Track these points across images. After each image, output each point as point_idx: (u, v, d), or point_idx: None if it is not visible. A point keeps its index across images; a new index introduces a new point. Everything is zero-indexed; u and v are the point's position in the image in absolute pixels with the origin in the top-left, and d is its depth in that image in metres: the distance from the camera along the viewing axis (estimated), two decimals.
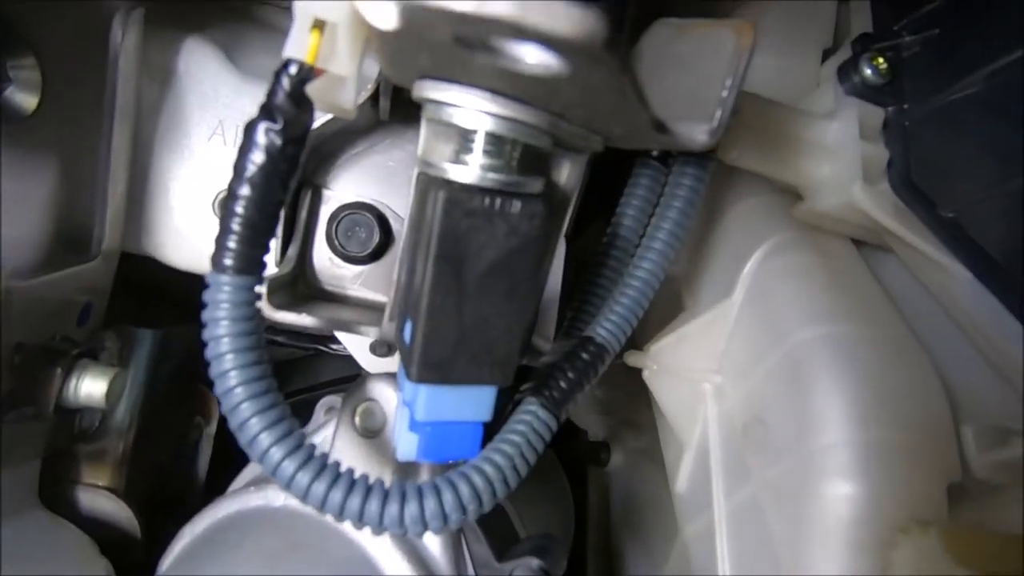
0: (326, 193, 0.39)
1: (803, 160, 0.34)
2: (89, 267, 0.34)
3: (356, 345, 0.43)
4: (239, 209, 0.21)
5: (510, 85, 0.19)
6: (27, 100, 0.33)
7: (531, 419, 0.26)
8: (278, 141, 0.21)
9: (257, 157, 0.21)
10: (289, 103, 0.21)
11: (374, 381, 0.31)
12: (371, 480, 0.22)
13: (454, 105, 0.20)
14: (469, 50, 0.15)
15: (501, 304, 0.23)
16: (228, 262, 0.22)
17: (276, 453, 0.21)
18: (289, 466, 0.21)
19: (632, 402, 0.63)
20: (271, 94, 0.21)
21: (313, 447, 0.22)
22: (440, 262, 0.21)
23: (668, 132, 0.20)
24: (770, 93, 0.41)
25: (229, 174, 0.33)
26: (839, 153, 0.33)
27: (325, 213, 0.39)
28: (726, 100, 0.20)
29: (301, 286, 0.38)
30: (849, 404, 0.28)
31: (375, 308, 0.39)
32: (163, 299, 0.44)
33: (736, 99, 0.21)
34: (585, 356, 0.29)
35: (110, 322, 0.39)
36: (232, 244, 0.22)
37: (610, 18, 0.11)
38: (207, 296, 0.22)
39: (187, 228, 0.39)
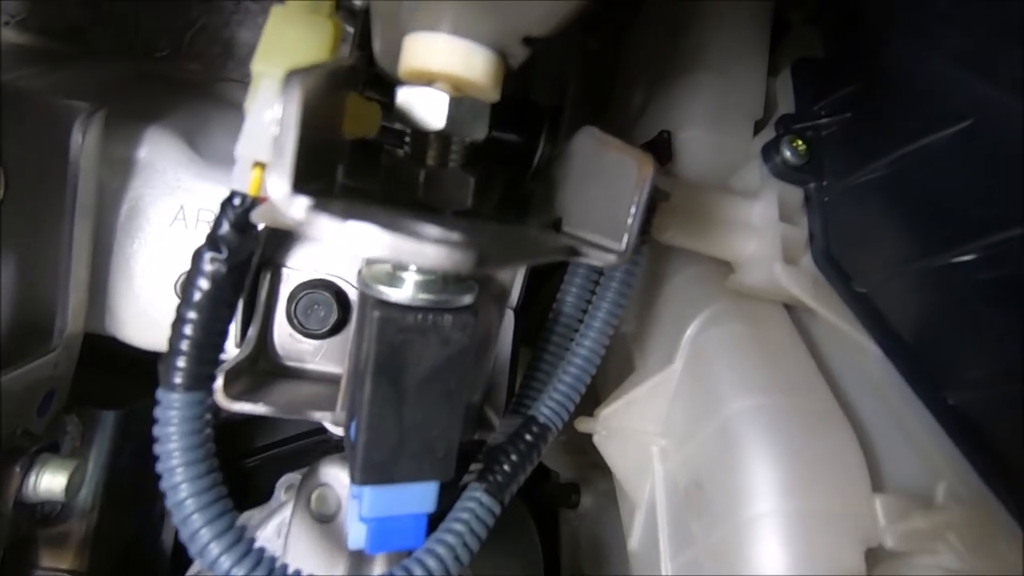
0: (285, 271, 0.41)
1: (731, 238, 0.36)
2: (51, 357, 0.35)
3: (327, 418, 0.44)
4: (187, 331, 0.23)
5: None
6: None
7: (475, 506, 0.28)
8: (223, 269, 0.23)
9: (203, 284, 0.23)
10: (234, 233, 0.23)
11: (328, 466, 0.33)
12: None
13: None
14: None
15: (439, 407, 0.24)
16: (177, 380, 0.23)
17: (225, 561, 0.22)
18: (236, 573, 0.22)
19: None
20: (216, 225, 0.23)
21: (259, 552, 0.23)
22: (378, 375, 0.23)
23: (581, 255, 0.22)
24: (706, 163, 0.44)
25: (190, 257, 0.34)
26: (763, 232, 0.36)
27: (284, 291, 0.40)
28: (631, 227, 0.22)
29: (262, 363, 0.40)
30: (775, 475, 0.30)
31: (335, 382, 0.40)
32: (126, 373, 0.45)
33: (644, 220, 0.23)
34: (528, 437, 0.31)
35: (72, 401, 0.39)
36: (181, 363, 0.23)
37: (477, 247, 0.13)
38: (158, 413, 0.23)
39: (150, 310, 0.40)
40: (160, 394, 0.23)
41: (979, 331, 0.26)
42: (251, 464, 0.64)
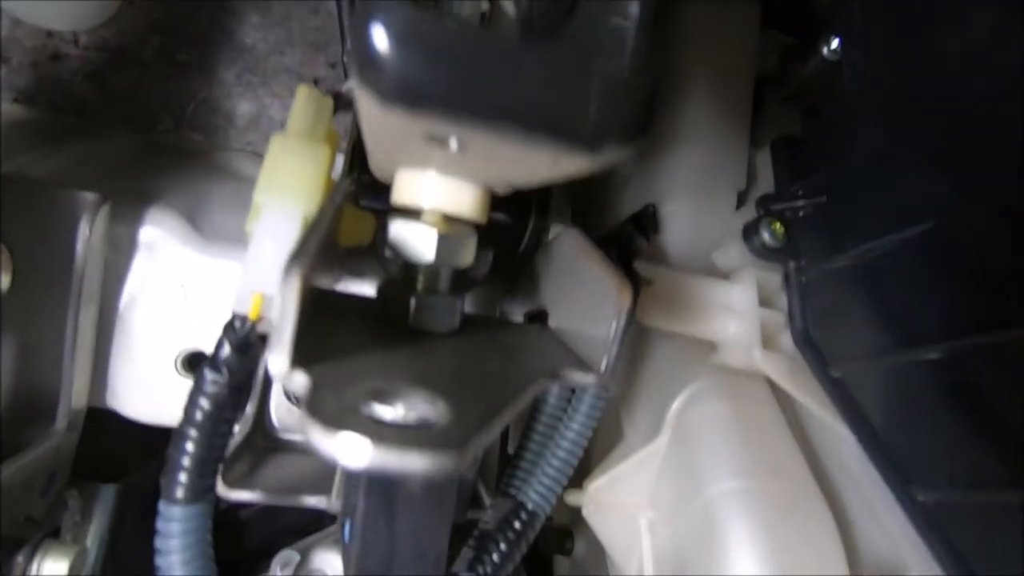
0: None
1: (711, 322, 0.38)
2: (54, 441, 0.36)
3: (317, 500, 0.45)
4: (188, 447, 0.24)
5: None
6: None
7: None
8: (224, 391, 0.24)
9: (204, 404, 0.24)
10: (234, 355, 0.24)
11: (323, 552, 0.34)
12: None
13: None
14: None
15: (430, 516, 0.26)
16: (179, 494, 0.24)
17: None
18: None
19: None
20: (219, 346, 0.24)
21: None
22: (370, 493, 0.24)
23: (562, 378, 0.24)
24: (690, 236, 0.45)
25: (191, 332, 0.35)
26: (742, 316, 0.37)
27: None
28: (611, 350, 0.23)
29: (259, 439, 0.41)
30: (753, 559, 0.31)
31: None
32: (126, 444, 0.46)
33: (623, 343, 0.24)
34: (517, 525, 0.32)
35: (73, 478, 0.40)
36: (182, 478, 0.24)
37: (465, 449, 0.14)
38: (160, 525, 0.24)
39: (151, 385, 0.41)
40: (162, 507, 0.24)
41: (943, 433, 0.28)
42: (245, 516, 0.65)
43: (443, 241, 0.23)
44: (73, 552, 0.33)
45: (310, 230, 0.19)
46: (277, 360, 0.16)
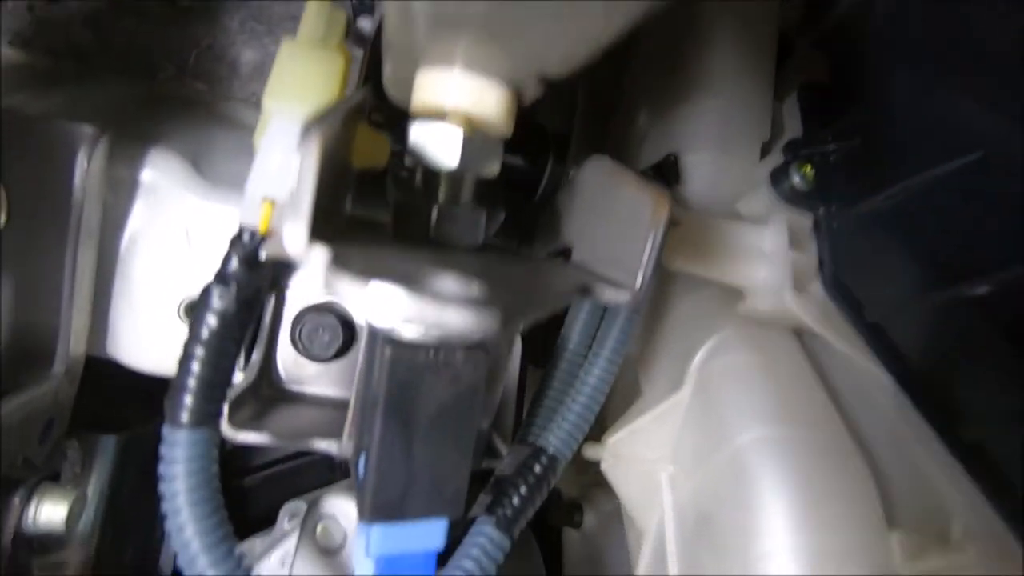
0: (289, 295, 0.40)
1: (741, 265, 0.36)
2: (52, 384, 0.34)
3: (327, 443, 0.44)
4: (194, 368, 0.23)
5: None
6: None
7: (484, 542, 0.27)
8: (231, 306, 0.22)
9: (211, 320, 0.22)
10: (242, 269, 0.22)
11: (333, 498, 0.32)
12: None
13: None
14: None
15: (449, 445, 0.24)
16: (184, 418, 0.23)
17: None
18: None
19: None
20: (226, 261, 0.23)
21: None
22: (388, 414, 0.22)
23: (594, 294, 0.22)
24: (713, 186, 0.44)
25: (194, 280, 0.33)
26: (772, 259, 0.35)
27: (288, 315, 0.40)
28: (646, 266, 0.22)
29: (265, 388, 0.39)
30: (787, 511, 0.30)
31: (340, 406, 0.39)
32: (127, 397, 0.44)
33: (658, 259, 0.22)
34: (538, 469, 0.30)
35: (73, 428, 0.39)
36: (188, 401, 0.23)
37: (501, 307, 0.12)
38: (164, 451, 0.23)
39: (153, 334, 0.40)
40: (166, 431, 0.23)
41: (994, 368, 0.26)
42: (250, 484, 0.63)
43: (468, 143, 0.21)
44: (72, 495, 0.31)
45: (331, 105, 0.18)
46: (294, 232, 0.14)
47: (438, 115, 0.22)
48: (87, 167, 0.34)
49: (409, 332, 0.23)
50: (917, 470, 0.29)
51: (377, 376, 0.22)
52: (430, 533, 0.25)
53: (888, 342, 0.32)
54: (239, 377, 0.37)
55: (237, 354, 0.23)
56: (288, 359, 0.40)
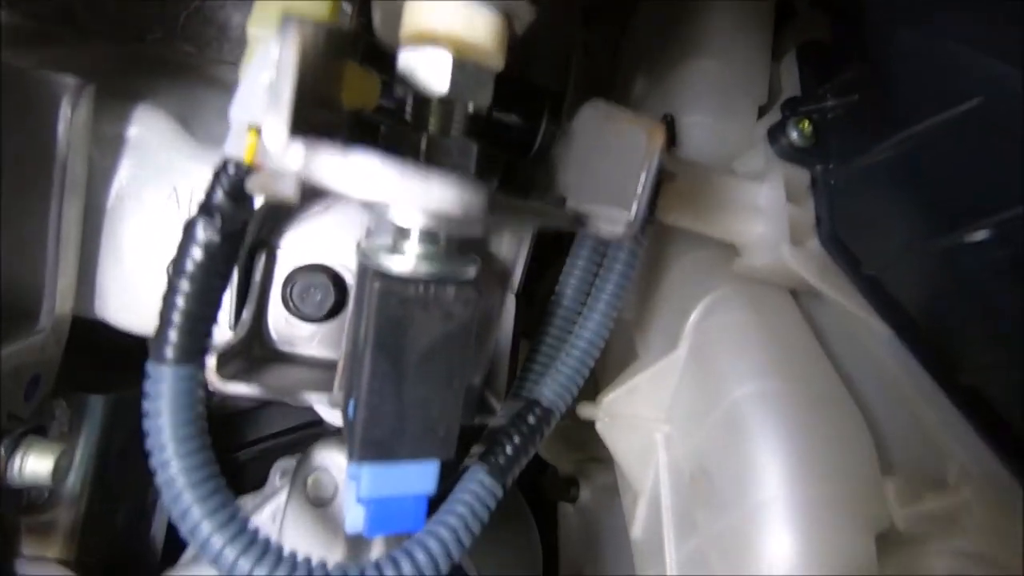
0: (280, 254, 0.40)
1: (737, 221, 0.36)
2: (38, 339, 0.34)
3: (321, 404, 0.43)
4: (179, 302, 0.22)
5: None
6: None
7: (476, 488, 0.27)
8: (216, 238, 0.22)
9: (196, 253, 0.22)
10: (227, 201, 0.22)
11: (323, 449, 0.32)
12: (313, 564, 0.22)
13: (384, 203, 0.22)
14: None
15: (440, 385, 0.24)
16: (169, 353, 0.22)
17: (217, 540, 0.22)
18: (229, 552, 0.21)
19: (601, 439, 0.64)
20: (210, 192, 0.22)
21: (255, 532, 0.22)
22: (378, 349, 0.22)
23: (587, 224, 0.22)
24: (709, 148, 0.43)
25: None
26: (769, 214, 0.35)
27: (280, 275, 0.40)
28: (640, 196, 0.21)
29: (256, 348, 0.39)
30: (783, 461, 0.29)
31: (332, 367, 0.39)
32: (118, 360, 0.44)
33: (653, 191, 0.22)
34: (531, 420, 0.30)
35: (61, 388, 0.38)
36: (172, 335, 0.22)
37: (487, 189, 0.12)
38: (148, 387, 0.22)
39: (141, 293, 0.39)
40: (150, 367, 0.22)
41: (994, 311, 0.26)
42: (244, 457, 0.63)
43: (458, 68, 0.20)
44: (59, 448, 0.31)
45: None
46: (274, 128, 0.14)
47: (429, 40, 0.21)
48: (71, 118, 0.33)
49: (399, 266, 0.23)
50: (914, 418, 0.29)
51: (366, 312, 0.22)
52: (421, 476, 0.25)
53: (886, 294, 0.32)
54: (229, 335, 0.36)
55: (223, 291, 0.23)
56: (279, 319, 0.39)
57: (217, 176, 0.22)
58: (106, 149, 0.38)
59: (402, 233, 0.23)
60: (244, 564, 0.22)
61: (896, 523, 0.27)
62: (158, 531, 0.49)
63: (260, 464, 0.60)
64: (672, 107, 0.45)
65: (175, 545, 0.47)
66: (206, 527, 0.22)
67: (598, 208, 0.23)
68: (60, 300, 0.35)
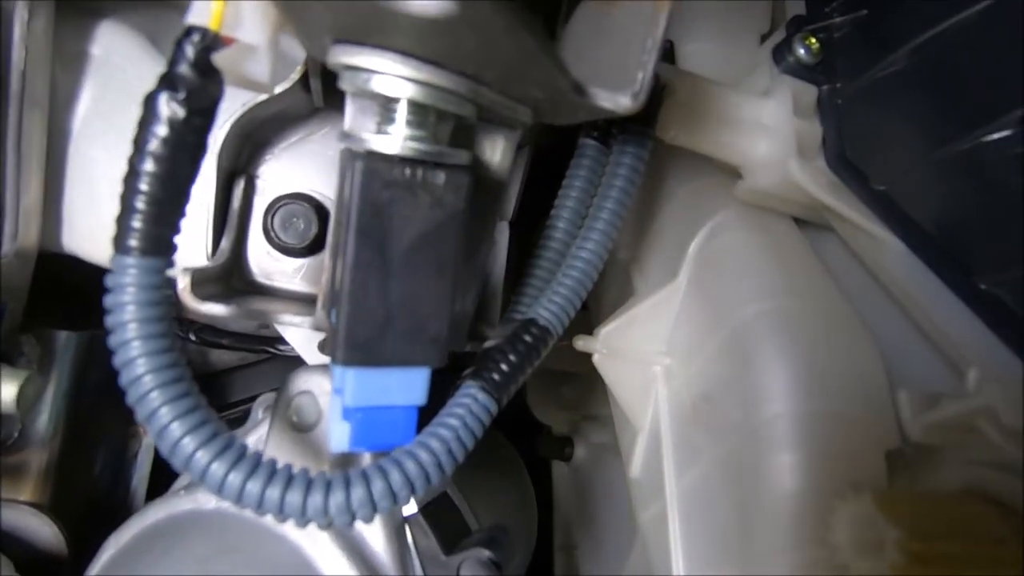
0: (260, 183, 0.38)
1: (740, 138, 0.34)
2: (2, 264, 0.31)
3: (303, 344, 0.41)
4: (143, 186, 0.20)
5: (418, 44, 0.18)
6: None
7: (469, 402, 0.25)
8: (181, 112, 0.20)
9: (160, 130, 0.20)
10: (193, 72, 0.20)
11: (307, 372, 0.30)
12: (295, 470, 0.21)
13: (368, 70, 0.20)
14: None
15: (429, 280, 0.22)
16: (133, 243, 0.20)
17: (189, 444, 0.20)
18: (202, 456, 0.20)
19: (595, 397, 0.63)
20: (173, 62, 0.20)
21: (231, 437, 0.21)
22: (361, 236, 0.20)
23: (588, 94, 0.20)
24: (710, 70, 0.41)
25: None
26: (775, 131, 0.33)
27: (260, 204, 0.38)
28: (647, 62, 0.20)
29: (236, 280, 0.37)
30: (790, 377, 0.28)
31: (314, 301, 0.37)
32: (94, 303, 0.42)
33: (658, 63, 0.20)
34: (527, 338, 0.28)
35: (30, 324, 0.36)
36: (137, 224, 0.20)
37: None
38: (110, 280, 0.20)
39: (113, 223, 0.37)
40: (114, 260, 0.20)
41: (1015, 209, 0.24)
42: (228, 418, 0.61)
43: None
44: (24, 375, 0.29)
45: None
46: None
47: None
48: (28, 22, 0.30)
49: (384, 146, 0.21)
50: (929, 332, 0.27)
51: (348, 194, 0.20)
52: (411, 384, 0.23)
53: (897, 208, 0.30)
54: (206, 261, 0.34)
55: (192, 176, 0.21)
56: (260, 252, 0.38)
57: (179, 44, 0.20)
58: (69, 67, 0.35)
59: (388, 111, 0.21)
60: (217, 469, 0.20)
61: (910, 435, 0.26)
62: (140, 485, 0.48)
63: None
64: (672, 33, 0.43)
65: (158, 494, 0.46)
66: (176, 430, 0.20)
67: (601, 90, 0.22)
68: (24, 224, 0.33)
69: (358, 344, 0.22)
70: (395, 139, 0.20)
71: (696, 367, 0.34)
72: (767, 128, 0.34)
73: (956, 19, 0.29)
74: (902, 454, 0.27)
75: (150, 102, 0.20)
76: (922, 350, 0.29)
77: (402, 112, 0.20)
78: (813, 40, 0.36)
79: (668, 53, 0.41)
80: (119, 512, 0.45)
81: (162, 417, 0.20)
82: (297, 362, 0.40)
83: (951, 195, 0.28)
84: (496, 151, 0.27)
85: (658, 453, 0.36)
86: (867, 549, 0.20)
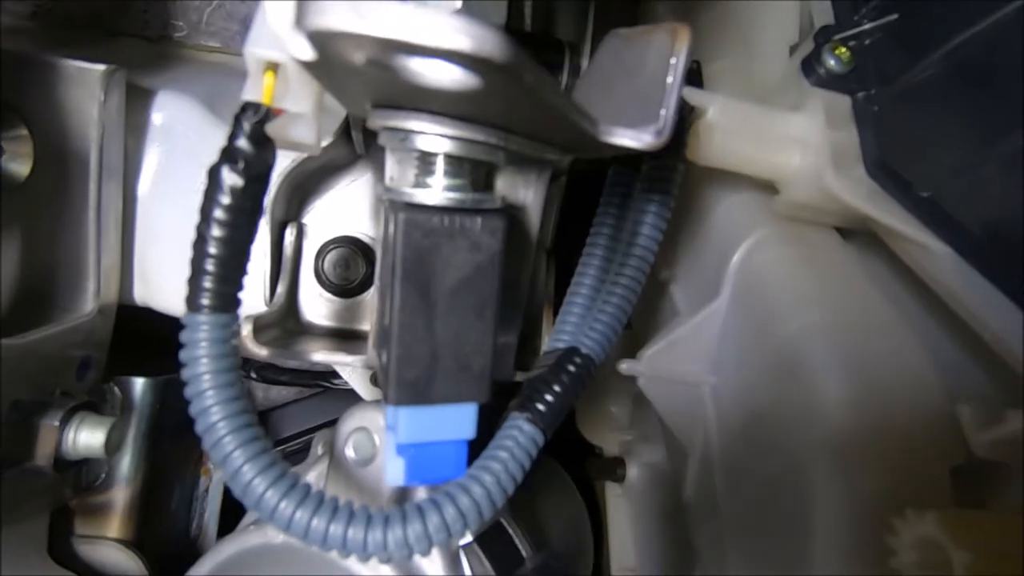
0: (309, 230, 0.40)
1: (774, 154, 0.34)
2: (85, 321, 0.35)
3: (357, 379, 0.43)
4: (210, 250, 0.22)
5: (450, 107, 0.20)
6: (21, 168, 0.34)
7: (517, 434, 0.26)
8: (241, 181, 0.22)
9: (223, 199, 0.22)
10: (249, 144, 0.22)
11: (363, 409, 0.32)
12: (356, 507, 0.22)
13: (406, 130, 0.21)
14: (380, 71, 0.16)
15: (471, 320, 0.23)
16: (204, 302, 0.22)
17: (259, 485, 0.21)
18: (271, 497, 0.21)
19: (646, 417, 0.62)
20: (232, 137, 0.22)
21: (296, 477, 0.22)
22: (406, 282, 0.22)
23: (612, 134, 0.21)
24: (739, 93, 0.41)
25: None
26: (808, 143, 0.33)
27: (310, 249, 0.40)
28: (669, 98, 0.20)
29: (291, 323, 0.39)
30: (841, 394, 0.28)
31: (365, 339, 0.39)
32: (166, 349, 0.45)
33: (681, 96, 0.21)
34: (571, 368, 0.29)
35: (111, 374, 0.39)
36: (207, 284, 0.22)
37: (498, 27, 0.11)
38: (184, 336, 0.22)
39: (181, 275, 0.40)
40: (187, 318, 0.22)
41: None
42: (285, 452, 0.64)
43: None
44: (110, 421, 0.32)
45: None
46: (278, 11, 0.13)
47: None
48: (104, 102, 0.34)
49: (424, 197, 0.22)
50: (984, 340, 0.26)
51: (392, 245, 0.22)
52: (460, 419, 0.24)
53: (943, 213, 0.29)
54: (264, 307, 0.37)
55: (251, 236, 0.23)
56: (312, 295, 0.40)
57: (237, 120, 0.22)
58: (138, 136, 0.39)
59: (426, 165, 0.22)
60: (285, 508, 0.21)
61: (975, 450, 0.25)
62: (212, 520, 0.50)
63: (301, 458, 0.61)
64: (697, 52, 0.43)
65: (229, 530, 0.48)
66: (248, 472, 0.21)
67: (625, 131, 0.22)
68: (105, 283, 0.36)
69: (408, 384, 0.23)
70: (434, 191, 0.22)
71: (743, 386, 0.34)
72: (799, 141, 0.34)
73: (994, 18, 0.28)
74: (966, 471, 0.26)
75: (213, 175, 0.22)
76: (980, 358, 0.28)
77: (440, 165, 0.22)
78: (843, 49, 0.35)
79: (695, 74, 0.42)
80: (193, 546, 0.48)
81: (235, 460, 0.21)
82: (349, 394, 0.42)
83: (1001, 197, 0.27)
84: (529, 188, 0.29)
85: (710, 474, 0.36)
86: (932, 572, 0.20)
